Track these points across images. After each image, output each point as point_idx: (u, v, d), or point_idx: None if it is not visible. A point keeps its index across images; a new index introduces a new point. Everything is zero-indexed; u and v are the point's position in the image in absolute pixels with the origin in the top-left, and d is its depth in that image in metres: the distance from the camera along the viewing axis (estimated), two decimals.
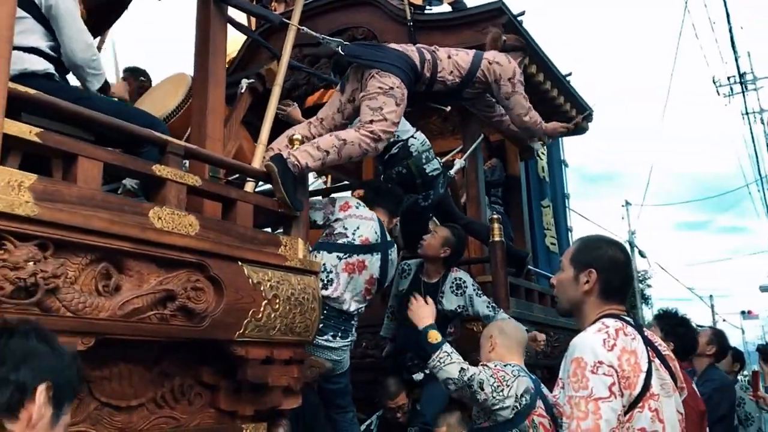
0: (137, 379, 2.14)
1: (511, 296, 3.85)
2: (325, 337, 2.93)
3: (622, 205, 24.10)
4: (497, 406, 2.49)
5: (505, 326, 2.99)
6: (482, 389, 2.49)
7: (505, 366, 2.69)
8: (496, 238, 3.79)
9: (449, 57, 3.21)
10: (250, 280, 2.33)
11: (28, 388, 1.10)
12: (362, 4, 4.16)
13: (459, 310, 3.58)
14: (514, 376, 2.57)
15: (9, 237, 1.66)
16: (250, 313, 2.31)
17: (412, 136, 3.67)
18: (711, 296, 30.50)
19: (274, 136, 3.00)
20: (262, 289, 2.36)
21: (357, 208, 3.18)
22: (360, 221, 3.11)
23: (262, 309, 2.35)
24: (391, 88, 2.97)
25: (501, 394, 2.50)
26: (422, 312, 2.87)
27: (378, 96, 2.96)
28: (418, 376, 3.57)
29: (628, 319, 1.78)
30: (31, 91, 1.87)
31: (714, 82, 22.48)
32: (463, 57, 3.25)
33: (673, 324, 3.10)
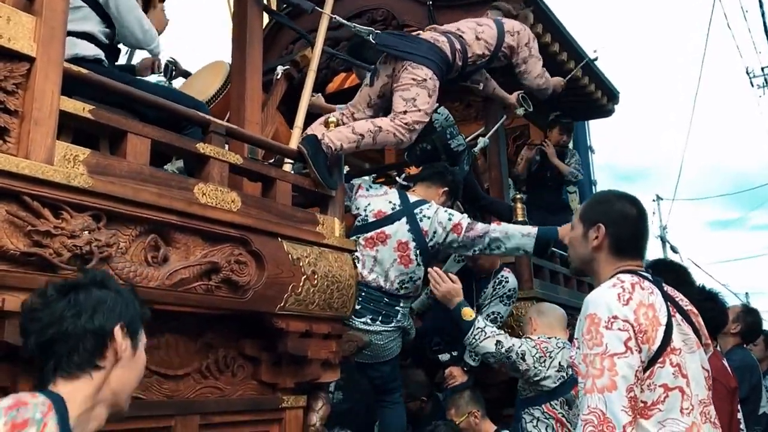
0: (183, 349, 2.23)
1: (535, 277, 3.85)
2: (363, 319, 2.88)
3: (653, 200, 23.69)
4: (539, 377, 2.53)
5: (541, 306, 3.01)
6: (524, 360, 2.54)
7: (549, 338, 2.73)
8: (519, 219, 3.79)
9: (477, 39, 3.22)
10: (290, 256, 2.40)
11: (107, 331, 1.31)
12: None
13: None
14: (559, 348, 2.62)
15: (66, 207, 1.75)
16: (290, 287, 2.38)
17: (435, 111, 3.67)
18: (747, 294, 29.80)
19: (303, 125, 3.07)
20: (301, 264, 2.43)
21: (368, 189, 3.21)
22: (370, 198, 3.11)
23: (301, 284, 2.42)
24: (424, 79, 2.99)
25: (544, 365, 2.54)
26: (452, 290, 2.87)
27: (411, 87, 2.99)
28: (444, 357, 3.57)
29: (645, 274, 1.72)
30: (84, 71, 1.96)
31: (747, 73, 21.96)
32: (489, 33, 3.26)
33: (700, 299, 3.01)
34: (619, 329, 1.54)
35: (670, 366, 1.56)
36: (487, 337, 2.66)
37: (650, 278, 1.71)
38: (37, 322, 1.29)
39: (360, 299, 2.85)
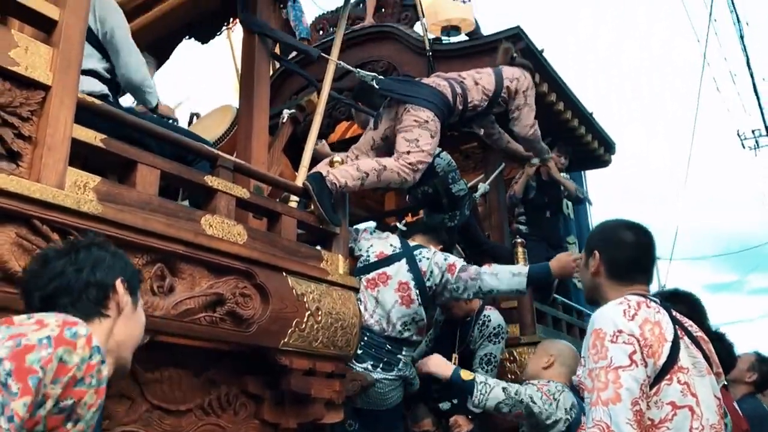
0: (186, 384, 2.19)
1: (538, 323, 3.82)
2: (364, 365, 2.80)
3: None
4: (551, 419, 2.49)
5: (566, 351, 2.91)
6: (534, 402, 2.51)
7: (548, 382, 2.69)
8: (521, 262, 3.79)
9: (476, 84, 3.29)
10: (294, 291, 2.39)
11: (109, 284, 1.34)
12: (383, 39, 4.33)
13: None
14: (559, 391, 2.59)
15: (74, 232, 1.75)
16: (294, 322, 2.35)
17: (437, 156, 3.73)
18: None
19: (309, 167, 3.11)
20: (305, 300, 2.42)
21: (371, 233, 3.22)
22: (372, 240, 3.12)
23: (305, 320, 2.40)
24: (426, 121, 3.05)
25: (552, 406, 2.50)
26: (439, 364, 2.84)
27: (413, 128, 3.04)
28: (444, 406, 3.51)
29: (652, 297, 1.72)
30: (97, 101, 2.00)
31: (738, 135, 22.28)
32: (487, 80, 3.33)
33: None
34: (624, 342, 1.54)
35: (677, 384, 1.55)
36: (493, 387, 2.62)
37: (657, 301, 1.71)
38: (38, 278, 1.30)
39: (362, 344, 2.80)
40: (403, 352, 2.93)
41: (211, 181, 2.25)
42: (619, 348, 1.53)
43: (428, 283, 2.97)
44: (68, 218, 1.74)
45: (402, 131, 3.07)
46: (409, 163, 2.98)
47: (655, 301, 1.70)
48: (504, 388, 2.59)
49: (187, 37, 4.02)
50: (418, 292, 2.94)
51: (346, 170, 2.85)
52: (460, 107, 3.26)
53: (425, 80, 3.30)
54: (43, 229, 1.69)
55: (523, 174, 4.72)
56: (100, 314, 1.31)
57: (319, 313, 2.47)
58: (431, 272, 2.98)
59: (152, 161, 2.07)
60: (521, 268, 2.99)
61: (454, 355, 3.34)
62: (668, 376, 1.54)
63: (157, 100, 2.77)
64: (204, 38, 4.05)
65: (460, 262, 3.02)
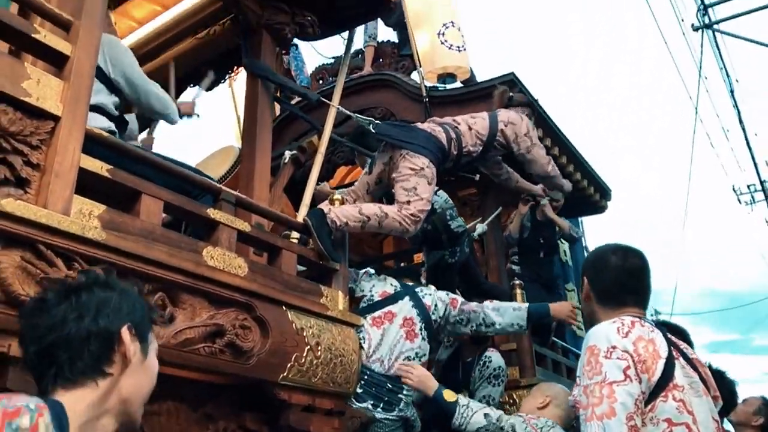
0: (183, 418, 2.16)
1: (538, 365, 3.80)
2: (365, 405, 2.76)
3: (651, 315, 23.55)
4: None
5: (562, 395, 2.89)
6: (515, 431, 2.48)
7: (538, 418, 2.66)
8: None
9: (470, 129, 3.33)
10: (294, 325, 2.39)
11: (113, 332, 1.17)
12: (381, 86, 4.46)
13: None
14: (549, 426, 2.56)
15: (78, 258, 1.77)
16: (294, 357, 2.35)
17: (434, 193, 3.76)
18: None
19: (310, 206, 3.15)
20: (305, 335, 2.42)
21: (370, 276, 3.26)
22: (373, 281, 3.17)
23: (305, 354, 2.39)
24: (422, 168, 3.08)
25: None
26: (424, 376, 2.83)
27: (410, 177, 3.07)
28: None
29: (647, 319, 1.74)
30: (104, 133, 2.05)
31: (734, 191, 22.33)
32: (481, 124, 3.36)
33: None
34: (618, 358, 1.55)
35: (673, 401, 1.55)
36: (475, 412, 2.62)
37: (651, 322, 1.72)
38: (35, 329, 1.16)
39: (362, 383, 2.78)
40: (404, 392, 2.90)
41: (214, 213, 2.28)
42: (613, 363, 1.54)
43: (433, 317, 3.06)
44: (73, 244, 1.76)
45: (399, 180, 3.09)
46: (411, 214, 2.98)
47: (649, 322, 1.71)
48: (486, 414, 2.59)
49: (191, 84, 4.14)
50: (423, 326, 2.99)
51: (348, 211, 2.88)
52: (455, 152, 3.29)
53: (420, 125, 3.35)
54: (47, 254, 1.71)
55: (516, 213, 4.75)
56: (99, 373, 1.15)
57: (319, 348, 2.46)
58: (435, 306, 3.09)
59: (156, 192, 2.11)
60: (521, 305, 3.13)
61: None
62: (663, 393, 1.55)
63: (177, 114, 2.92)
64: (208, 86, 4.16)
65: (461, 298, 3.18)
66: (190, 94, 4.09)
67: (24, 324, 1.21)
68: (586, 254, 6.93)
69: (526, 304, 3.10)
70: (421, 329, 2.98)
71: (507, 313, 3.03)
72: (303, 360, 2.38)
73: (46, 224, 1.70)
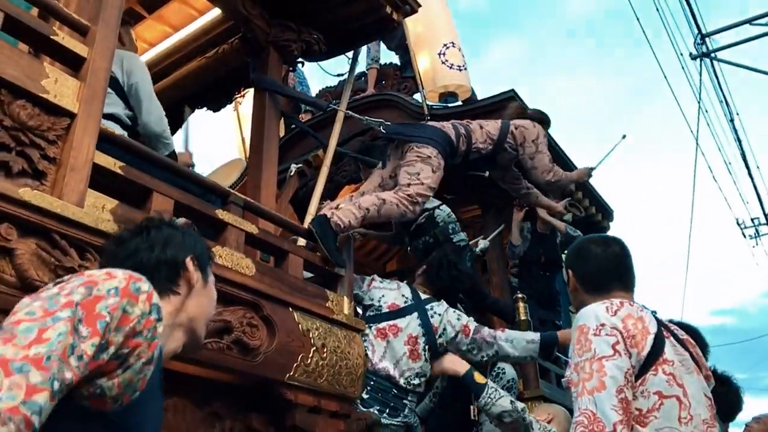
0: (190, 416, 2.17)
1: (541, 378, 3.79)
2: (371, 410, 2.82)
3: None
4: None
5: (561, 415, 2.95)
6: (532, 428, 2.51)
7: (549, 430, 2.71)
8: (522, 317, 3.80)
9: (481, 128, 3.42)
10: (300, 326, 2.42)
11: (179, 261, 1.38)
12: (384, 106, 4.55)
13: None
14: None
15: (91, 249, 1.81)
16: (300, 357, 2.37)
17: (437, 207, 3.81)
18: None
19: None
20: (311, 336, 2.44)
21: (381, 282, 3.27)
22: (384, 290, 3.18)
23: (311, 355, 2.41)
24: (429, 156, 3.14)
25: None
26: (454, 361, 2.94)
27: (416, 163, 3.12)
28: None
29: (635, 301, 1.77)
30: (117, 132, 2.12)
31: (738, 224, 22.09)
32: (493, 126, 3.46)
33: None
34: (607, 334, 1.59)
35: (663, 374, 1.58)
36: (502, 396, 2.68)
37: (641, 305, 1.75)
38: (114, 258, 1.34)
39: (368, 388, 2.81)
40: (409, 398, 2.94)
41: (222, 214, 2.33)
42: (602, 340, 1.59)
43: (439, 340, 3.06)
44: (85, 235, 1.81)
45: (404, 166, 3.15)
46: (408, 195, 3.01)
47: (638, 304, 1.74)
48: (512, 401, 2.66)
49: (199, 106, 4.24)
50: (427, 347, 3.02)
51: (348, 209, 2.91)
52: (464, 147, 3.35)
53: (430, 123, 3.43)
54: (61, 243, 1.75)
55: (514, 221, 4.71)
56: (170, 291, 1.35)
57: (325, 350, 2.48)
58: (444, 330, 3.08)
59: (167, 191, 2.16)
60: (534, 336, 3.14)
61: (472, 407, 3.30)
62: (653, 367, 1.58)
63: (170, 151, 2.90)
64: (216, 107, 4.26)
65: (473, 324, 3.13)
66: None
67: (105, 255, 1.42)
68: None
69: (538, 335, 3.13)
70: (424, 350, 3.01)
71: (520, 345, 3.06)
72: (309, 360, 2.40)
73: (62, 215, 1.75)
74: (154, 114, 2.74)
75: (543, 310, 4.46)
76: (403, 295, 3.16)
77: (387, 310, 3.09)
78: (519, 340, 3.09)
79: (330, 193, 4.71)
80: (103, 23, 2.11)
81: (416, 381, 2.99)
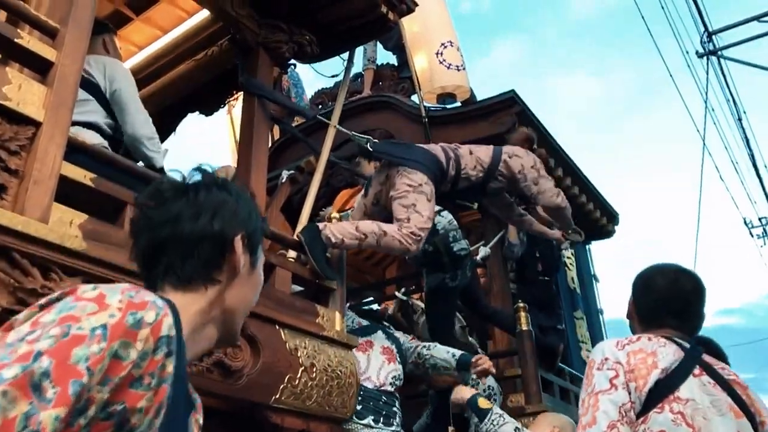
0: None
1: (544, 392, 3.64)
2: (365, 421, 2.78)
3: None
4: None
5: (568, 428, 2.83)
6: None
7: None
8: (524, 328, 3.64)
9: (471, 153, 3.24)
10: (287, 345, 2.28)
11: (227, 238, 1.05)
12: (380, 108, 4.42)
13: None
14: None
15: (56, 269, 1.69)
16: (287, 378, 2.24)
17: (438, 214, 3.66)
18: None
19: None
20: (299, 355, 2.31)
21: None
22: (349, 312, 3.27)
23: (298, 376, 2.28)
24: (420, 185, 2.99)
25: None
26: (461, 389, 2.91)
27: (408, 194, 2.97)
28: None
29: (676, 339, 1.62)
30: (87, 141, 1.99)
31: (746, 224, 21.80)
32: (484, 151, 3.27)
33: None
34: (608, 369, 1.54)
35: (669, 413, 1.47)
36: (506, 422, 2.57)
37: (677, 341, 1.61)
38: (149, 221, 1.05)
39: (359, 399, 2.72)
40: (396, 405, 2.98)
41: None
42: (602, 374, 1.54)
43: (403, 346, 3.23)
44: (50, 253, 1.68)
45: (397, 198, 3.00)
46: (411, 233, 2.87)
47: (674, 341, 1.61)
48: (517, 428, 2.54)
49: (191, 110, 4.12)
50: (399, 354, 3.16)
51: (344, 227, 2.78)
52: (453, 173, 3.18)
53: (419, 144, 3.28)
54: (22, 262, 1.62)
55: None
56: (208, 280, 1.04)
57: (314, 369, 2.35)
58: (400, 338, 3.27)
59: None
60: (456, 353, 3.16)
61: (450, 429, 3.18)
62: (660, 405, 1.48)
63: (164, 160, 2.75)
64: (208, 111, 4.13)
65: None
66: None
67: (140, 215, 1.09)
68: (594, 281, 6.78)
69: (459, 355, 3.12)
70: (398, 357, 3.13)
71: (439, 356, 3.14)
72: (297, 381, 2.27)
73: (23, 231, 1.62)
74: (140, 121, 2.60)
75: (543, 315, 4.29)
76: (362, 322, 3.29)
77: (357, 327, 3.18)
78: (440, 353, 3.17)
79: (327, 198, 4.59)
80: (74, 25, 1.98)
81: (398, 382, 3.08)
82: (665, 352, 1.56)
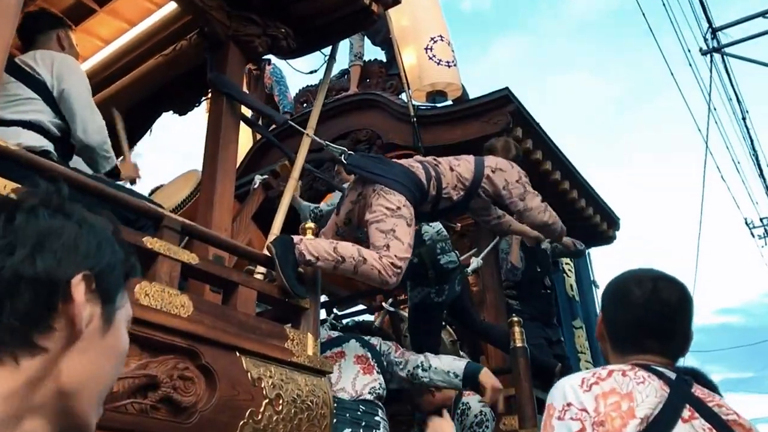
0: None
1: (539, 414, 3.37)
2: None
3: None
4: None
5: None
6: None
7: None
8: (518, 344, 3.36)
9: (451, 170, 2.96)
10: (249, 375, 2.02)
11: (58, 281, 0.68)
12: (367, 107, 4.18)
13: None
14: None
15: None
16: (248, 413, 1.98)
17: (426, 223, 3.39)
18: None
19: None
20: (262, 386, 2.05)
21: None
22: (322, 329, 3.06)
23: (262, 409, 2.02)
24: (398, 207, 2.72)
25: None
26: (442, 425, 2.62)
27: (386, 218, 2.69)
28: None
29: (658, 368, 1.32)
30: (25, 142, 1.73)
31: (747, 224, 21.54)
32: (465, 167, 2.99)
33: None
34: (571, 419, 1.23)
35: None
36: None
37: (659, 371, 1.31)
38: None
39: (335, 412, 2.47)
40: (380, 414, 2.76)
41: (151, 243, 1.94)
42: (564, 426, 1.24)
43: (382, 354, 2.99)
44: None
45: (374, 222, 2.72)
46: (392, 263, 2.59)
47: (656, 372, 1.31)
48: None
49: (165, 109, 3.87)
50: (376, 363, 2.92)
51: (322, 245, 2.50)
52: (434, 192, 2.90)
53: (398, 160, 3.00)
54: None
55: (513, 240, 4.22)
56: (25, 345, 0.66)
57: (280, 401, 2.09)
58: (380, 345, 3.02)
59: None
60: (460, 366, 2.92)
61: None
62: None
63: (111, 166, 2.50)
64: (182, 110, 3.88)
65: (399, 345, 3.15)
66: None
67: None
68: (594, 288, 6.54)
69: (463, 368, 2.88)
70: (375, 365, 2.90)
71: (446, 359, 2.93)
72: (260, 416, 2.01)
73: None
74: (91, 124, 2.34)
75: (549, 330, 4.05)
76: (332, 332, 3.11)
77: (326, 340, 2.94)
78: (447, 357, 2.97)
79: (311, 202, 4.33)
80: None
81: (380, 391, 2.86)
82: (645, 393, 1.26)
